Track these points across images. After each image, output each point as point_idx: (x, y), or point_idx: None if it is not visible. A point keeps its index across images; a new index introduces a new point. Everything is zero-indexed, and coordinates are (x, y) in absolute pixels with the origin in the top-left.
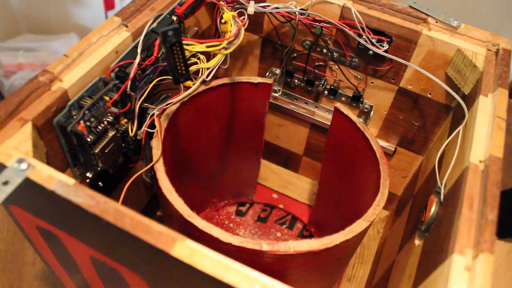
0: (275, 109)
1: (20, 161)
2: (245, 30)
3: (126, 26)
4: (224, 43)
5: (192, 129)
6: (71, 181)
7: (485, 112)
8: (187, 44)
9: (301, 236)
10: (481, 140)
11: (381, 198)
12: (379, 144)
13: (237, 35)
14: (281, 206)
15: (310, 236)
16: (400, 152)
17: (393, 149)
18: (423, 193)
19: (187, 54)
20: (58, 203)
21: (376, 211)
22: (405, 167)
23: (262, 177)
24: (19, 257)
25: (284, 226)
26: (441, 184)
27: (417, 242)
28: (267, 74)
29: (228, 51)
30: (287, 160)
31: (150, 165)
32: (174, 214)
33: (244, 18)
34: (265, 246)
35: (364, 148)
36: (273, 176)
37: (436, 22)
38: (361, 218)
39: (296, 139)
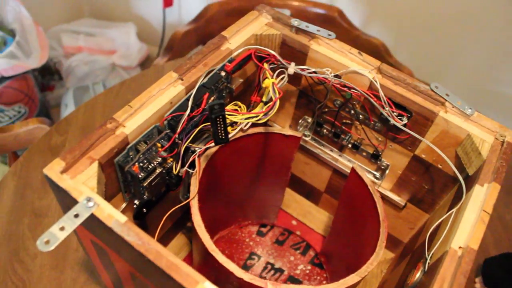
0: (304, 150)
1: (89, 199)
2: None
3: (182, 80)
4: (260, 116)
5: (227, 165)
6: (123, 219)
7: (477, 202)
8: (229, 114)
9: (312, 263)
10: (466, 228)
11: (375, 258)
12: (384, 208)
13: (272, 107)
14: (298, 232)
15: (320, 264)
16: (410, 207)
17: (403, 204)
18: (420, 253)
19: (228, 122)
20: (113, 235)
21: (369, 268)
22: (413, 220)
23: (285, 203)
24: (65, 242)
25: (298, 251)
26: (428, 255)
27: None
28: (300, 120)
29: (263, 121)
30: (309, 192)
31: (186, 202)
32: (201, 245)
33: (284, 77)
34: (270, 286)
35: (371, 208)
36: (295, 204)
37: (453, 107)
38: (355, 273)
39: (319, 177)
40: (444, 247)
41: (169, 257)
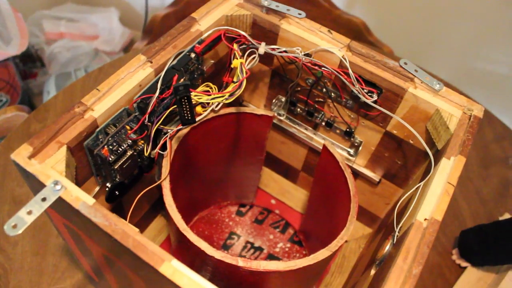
0: (279, 129)
1: (56, 182)
2: (259, 61)
3: (151, 62)
4: (226, 95)
5: (200, 146)
6: (91, 201)
7: (443, 175)
8: (195, 95)
9: (291, 241)
10: (431, 200)
11: (345, 232)
12: (355, 184)
13: (239, 87)
14: (277, 211)
15: (299, 242)
16: (384, 183)
17: (378, 180)
18: (391, 227)
19: (194, 102)
20: (81, 217)
21: (339, 243)
22: (388, 195)
23: (264, 183)
24: (46, 228)
25: (277, 230)
26: (397, 228)
27: (372, 272)
28: (274, 100)
29: (230, 100)
30: (287, 171)
31: (158, 183)
32: (174, 226)
33: (255, 57)
34: (240, 262)
35: (343, 184)
36: (273, 183)
37: (421, 82)
38: (325, 248)
39: (295, 156)
40: (411, 220)
41: (136, 237)
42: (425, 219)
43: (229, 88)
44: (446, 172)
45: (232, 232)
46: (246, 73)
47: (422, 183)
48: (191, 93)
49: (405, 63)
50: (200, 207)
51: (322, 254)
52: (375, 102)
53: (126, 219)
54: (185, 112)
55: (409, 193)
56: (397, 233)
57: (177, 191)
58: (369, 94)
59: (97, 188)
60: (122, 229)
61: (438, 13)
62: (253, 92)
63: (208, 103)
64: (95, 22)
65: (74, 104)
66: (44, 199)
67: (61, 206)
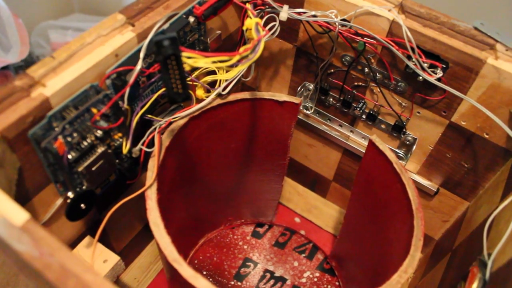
0: (305, 127)
1: None
2: (279, 37)
3: (133, 26)
4: (235, 59)
5: (204, 146)
6: (21, 218)
7: None
8: (188, 57)
9: (321, 269)
10: None
11: (410, 263)
12: (417, 192)
13: (254, 49)
14: (302, 232)
15: (331, 270)
16: (443, 194)
17: (435, 190)
18: (466, 251)
19: (187, 68)
20: (1, 242)
21: (402, 279)
22: (447, 210)
23: (286, 197)
24: None
25: (303, 255)
26: (489, 256)
27: None
28: (299, 88)
29: (241, 68)
30: (314, 182)
31: (141, 190)
32: (161, 253)
33: (274, 26)
34: None
35: (398, 193)
36: (297, 197)
37: (507, 50)
38: (383, 286)
39: (326, 162)
40: None
41: (81, 277)
42: None
43: (241, 50)
44: None
45: (247, 258)
46: (264, 32)
47: None
48: (182, 53)
49: (482, 24)
50: (208, 226)
51: None
52: (438, 80)
53: (110, 243)
54: (173, 80)
55: (502, 206)
56: (489, 265)
57: (173, 204)
58: (430, 69)
59: (59, 201)
60: (60, 263)
61: None
62: (272, 79)
63: (213, 87)
64: None
65: (15, 77)
66: None
67: None
